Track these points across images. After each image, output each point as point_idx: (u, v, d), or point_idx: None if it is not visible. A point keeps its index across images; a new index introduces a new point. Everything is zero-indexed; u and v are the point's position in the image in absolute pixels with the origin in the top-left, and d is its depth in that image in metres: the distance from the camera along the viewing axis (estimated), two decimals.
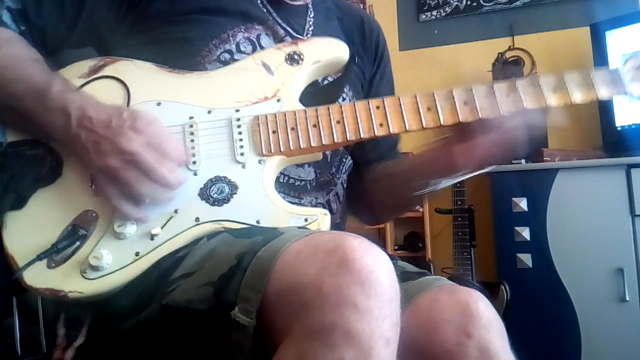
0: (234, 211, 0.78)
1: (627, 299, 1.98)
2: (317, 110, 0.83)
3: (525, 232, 2.18)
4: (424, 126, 0.83)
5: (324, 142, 0.82)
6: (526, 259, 2.17)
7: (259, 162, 0.81)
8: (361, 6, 3.08)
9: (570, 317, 2.06)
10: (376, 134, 0.83)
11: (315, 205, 0.93)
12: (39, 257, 0.74)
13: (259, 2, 0.96)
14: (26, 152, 0.80)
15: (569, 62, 2.61)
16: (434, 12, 2.95)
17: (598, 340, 2.03)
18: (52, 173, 0.79)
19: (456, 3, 2.90)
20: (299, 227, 0.76)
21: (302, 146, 0.82)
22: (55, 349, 0.82)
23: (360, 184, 1.07)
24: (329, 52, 0.89)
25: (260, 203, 0.79)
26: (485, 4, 2.84)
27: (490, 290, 2.12)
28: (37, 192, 0.79)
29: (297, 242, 0.66)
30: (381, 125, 0.83)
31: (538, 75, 0.84)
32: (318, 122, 0.83)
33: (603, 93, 0.84)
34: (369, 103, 0.84)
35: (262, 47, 0.92)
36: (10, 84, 0.77)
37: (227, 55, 0.89)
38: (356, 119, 0.83)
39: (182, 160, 0.78)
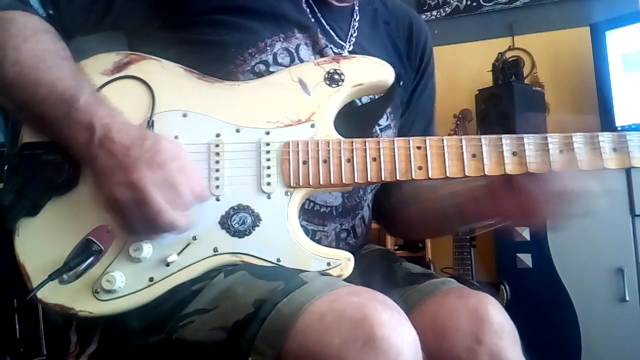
0: (255, 245, 0.74)
1: (627, 299, 1.98)
2: (352, 144, 0.77)
3: (525, 232, 2.18)
4: (466, 174, 0.76)
5: (356, 180, 0.76)
6: (526, 259, 2.17)
7: (286, 193, 0.76)
8: None
9: (570, 317, 2.06)
10: (413, 177, 0.76)
11: (339, 232, 0.89)
12: (51, 278, 0.71)
13: (303, 2, 0.89)
14: (42, 157, 0.74)
15: (569, 62, 2.61)
16: (434, 12, 2.95)
17: (598, 340, 2.03)
18: (69, 182, 0.75)
19: (456, 3, 2.90)
20: (321, 272, 0.73)
21: (333, 182, 0.76)
22: (68, 357, 0.81)
23: (388, 201, 1.01)
24: (372, 75, 0.82)
25: (282, 239, 0.75)
26: (485, 4, 2.84)
27: (490, 290, 2.12)
28: (51, 201, 0.75)
29: (321, 300, 0.63)
30: (420, 168, 0.76)
31: (596, 134, 0.76)
32: (353, 157, 0.76)
33: None
34: (409, 142, 0.77)
35: (300, 60, 0.85)
36: (33, 87, 0.71)
37: (262, 67, 0.82)
38: (394, 157, 0.76)
39: (202, 197, 0.74)
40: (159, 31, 0.84)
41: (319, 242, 0.82)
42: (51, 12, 0.79)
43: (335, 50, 0.90)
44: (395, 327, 0.60)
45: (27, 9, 0.77)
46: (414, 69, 1.03)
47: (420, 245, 2.74)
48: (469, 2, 2.87)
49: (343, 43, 0.91)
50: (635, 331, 1.97)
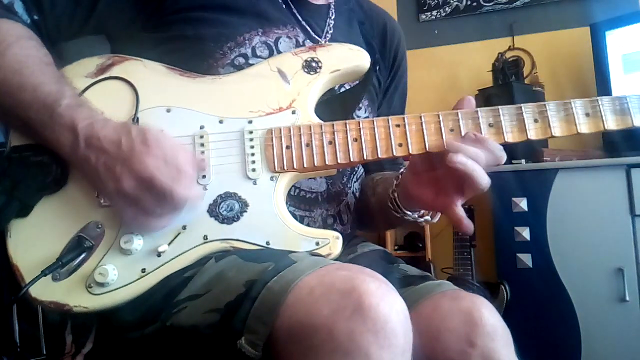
0: (244, 230, 0.76)
1: (627, 299, 1.98)
2: (333, 126, 0.79)
3: (525, 232, 2.18)
4: (446, 148, 0.78)
5: (339, 161, 0.78)
6: (526, 259, 2.17)
7: (271, 178, 0.78)
8: None
9: (570, 317, 2.06)
10: (394, 154, 0.79)
11: (326, 218, 0.90)
12: (44, 273, 0.72)
13: (280, 0, 0.93)
14: (31, 158, 0.76)
15: (569, 62, 2.61)
16: (434, 12, 2.95)
17: (598, 340, 2.02)
18: (58, 181, 0.77)
19: (456, 3, 2.90)
20: (311, 252, 0.74)
21: (316, 164, 0.78)
22: (63, 357, 0.81)
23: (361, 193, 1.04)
24: (349, 60, 0.85)
25: (270, 223, 0.76)
26: (485, 4, 2.84)
27: (490, 290, 2.12)
28: (42, 200, 0.76)
29: (310, 276, 0.64)
30: (400, 145, 0.78)
31: (569, 101, 0.80)
32: (334, 138, 0.79)
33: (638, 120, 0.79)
34: (388, 120, 0.79)
35: (279, 52, 0.87)
36: (18, 91, 0.73)
37: (241, 60, 0.85)
38: (374, 137, 0.79)
39: (201, 167, 0.76)
40: (141, 32, 0.86)
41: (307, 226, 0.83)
42: (36, 17, 0.81)
43: (315, 37, 0.94)
44: (383, 296, 0.61)
45: (11, 16, 0.78)
46: (388, 68, 1.07)
47: (420, 245, 2.74)
48: (469, 2, 2.87)
49: (319, 39, 0.94)
50: (635, 331, 1.97)
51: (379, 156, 0.78)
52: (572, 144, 2.52)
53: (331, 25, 0.97)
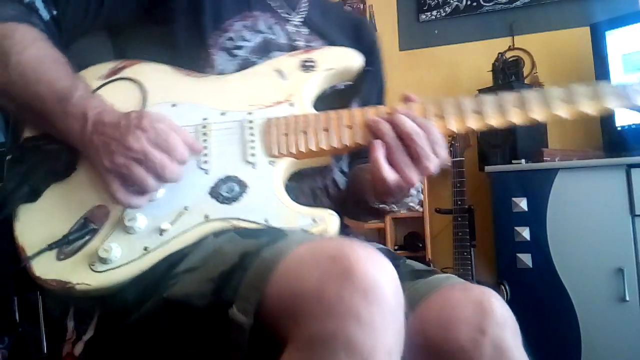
0: (243, 210, 0.79)
1: (627, 299, 1.98)
2: (327, 115, 0.84)
3: (525, 232, 2.18)
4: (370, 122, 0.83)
5: (333, 145, 0.83)
6: (526, 259, 2.18)
7: (270, 162, 0.82)
8: (361, 6, 3.08)
9: (570, 317, 2.06)
10: None
11: (314, 189, 0.94)
12: (50, 247, 0.75)
13: None
14: (42, 147, 0.81)
15: (569, 62, 2.61)
16: (434, 12, 2.95)
17: (598, 340, 2.03)
18: (67, 168, 0.81)
19: (456, 3, 2.90)
20: (307, 229, 0.77)
21: (312, 149, 0.83)
22: (64, 343, 0.83)
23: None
24: (342, 60, 0.91)
25: (269, 202, 0.80)
26: (485, 4, 2.84)
27: None
28: (51, 187, 0.80)
29: (302, 246, 0.66)
30: None
31: (547, 89, 0.84)
32: (329, 126, 0.83)
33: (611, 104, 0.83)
34: (378, 109, 0.84)
35: (259, 32, 0.95)
36: (34, 85, 0.78)
37: (229, 43, 0.91)
38: (367, 124, 0.83)
39: (195, 148, 0.80)
40: (142, 25, 0.91)
41: (297, 198, 0.87)
42: (54, 12, 0.86)
43: (289, 18, 1.01)
44: (371, 259, 0.62)
45: (31, 19, 0.84)
46: (366, 53, 1.10)
47: (420, 245, 2.75)
48: (469, 2, 2.87)
49: (291, 15, 1.01)
50: (635, 331, 1.97)
51: (371, 140, 0.83)
52: (572, 144, 2.52)
53: (303, 8, 1.03)
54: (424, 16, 2.97)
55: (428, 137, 0.80)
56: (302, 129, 0.83)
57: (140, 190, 0.76)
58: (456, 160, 2.40)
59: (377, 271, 0.61)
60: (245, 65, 0.91)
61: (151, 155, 0.74)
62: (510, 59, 2.59)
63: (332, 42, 1.02)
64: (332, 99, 0.93)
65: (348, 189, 1.02)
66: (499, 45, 2.71)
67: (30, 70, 0.78)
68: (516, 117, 0.83)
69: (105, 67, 0.88)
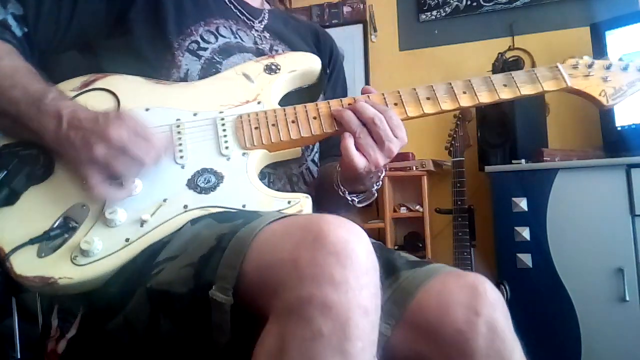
0: (221, 198, 0.82)
1: (627, 299, 1.98)
2: (295, 108, 0.91)
3: (525, 232, 2.18)
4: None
5: (302, 134, 0.89)
6: (526, 259, 2.17)
7: (243, 154, 0.86)
8: (361, 6, 3.08)
9: (570, 317, 2.06)
10: None
11: (290, 176, 0.98)
12: (31, 241, 0.76)
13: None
14: (20, 152, 0.83)
15: None
16: (434, 12, 2.95)
17: (598, 340, 2.03)
18: (45, 171, 0.82)
19: (456, 3, 2.90)
20: (282, 210, 0.80)
21: (282, 139, 0.88)
22: (48, 340, 0.83)
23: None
24: (303, 63, 0.99)
25: (245, 190, 0.83)
26: (485, 4, 2.84)
27: None
28: (29, 190, 0.81)
29: (275, 222, 0.69)
30: None
31: (510, 73, 0.97)
32: (296, 118, 0.90)
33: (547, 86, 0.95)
34: (341, 100, 0.91)
35: (222, 36, 1.00)
36: (8, 90, 0.81)
37: (194, 45, 0.96)
38: (331, 113, 0.90)
39: (167, 147, 0.83)
40: (109, 39, 0.96)
41: (273, 183, 0.94)
42: (26, 29, 0.90)
43: (252, 25, 1.07)
44: (342, 225, 0.64)
45: (4, 35, 0.87)
46: (326, 59, 1.19)
47: (420, 245, 2.74)
48: (469, 2, 2.87)
49: (253, 23, 1.07)
50: (635, 331, 1.97)
51: (337, 128, 0.89)
52: (572, 144, 2.52)
53: (265, 17, 1.10)
54: (424, 16, 2.97)
55: (388, 121, 0.87)
56: (272, 122, 0.89)
57: (123, 177, 0.78)
58: (456, 160, 2.40)
59: (347, 234, 0.63)
60: (210, 64, 0.96)
61: (133, 142, 0.76)
62: (510, 59, 2.59)
63: (293, 46, 1.09)
64: (297, 99, 0.97)
65: (320, 180, 1.06)
66: (499, 45, 2.71)
67: (4, 78, 0.81)
68: (465, 101, 0.95)
69: (77, 81, 0.90)
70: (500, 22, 2.79)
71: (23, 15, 0.89)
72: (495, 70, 2.55)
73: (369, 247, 0.64)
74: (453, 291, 0.83)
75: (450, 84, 0.96)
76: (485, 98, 0.95)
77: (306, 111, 0.90)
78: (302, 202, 0.82)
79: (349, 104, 0.90)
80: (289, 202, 0.82)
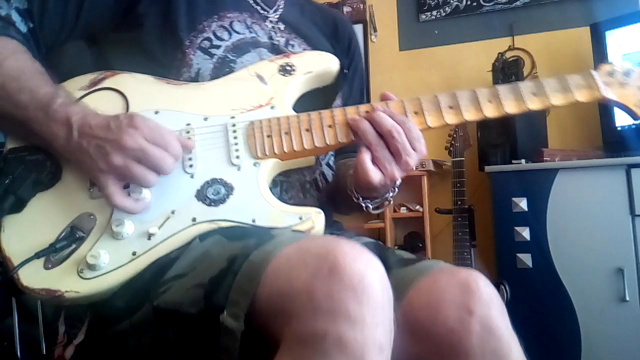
0: (230, 211, 0.80)
1: (627, 299, 1.98)
2: (309, 115, 0.86)
3: (525, 232, 2.18)
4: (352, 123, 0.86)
5: (316, 145, 0.85)
6: (526, 259, 2.17)
7: (254, 164, 0.83)
8: (361, 6, 3.08)
9: (570, 317, 2.06)
10: None
11: (303, 183, 0.95)
12: (37, 255, 0.74)
13: None
14: (26, 157, 0.81)
15: (569, 62, 2.61)
16: (434, 12, 2.95)
17: (598, 340, 2.03)
18: (52, 177, 0.80)
19: (456, 3, 2.90)
20: (294, 227, 0.78)
21: (295, 149, 0.84)
22: (55, 346, 0.82)
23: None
24: (319, 64, 0.93)
25: (255, 203, 0.80)
26: (485, 4, 2.84)
27: None
28: (36, 196, 0.79)
29: (289, 247, 0.66)
30: None
31: (516, 83, 0.88)
32: (310, 126, 0.85)
33: (579, 96, 0.88)
34: (358, 108, 0.86)
35: (236, 32, 0.96)
36: (16, 94, 0.78)
37: (207, 43, 0.92)
38: (347, 122, 0.85)
39: (186, 145, 0.81)
40: (118, 33, 0.92)
41: (286, 191, 0.91)
42: (31, 25, 0.87)
43: (267, 15, 1.02)
44: (358, 254, 0.62)
45: (8, 32, 0.84)
46: (344, 50, 1.13)
47: (420, 245, 2.74)
48: (469, 2, 2.87)
49: (267, 13, 1.02)
50: (635, 331, 1.97)
51: (353, 138, 0.85)
52: (572, 144, 2.52)
53: (281, 6, 1.05)
54: (424, 16, 2.97)
55: (407, 133, 0.82)
56: (285, 130, 0.85)
57: (142, 186, 0.76)
58: (456, 160, 2.40)
59: (364, 267, 0.61)
60: (223, 63, 0.92)
61: (150, 151, 0.74)
62: (510, 59, 2.59)
63: (309, 39, 1.04)
64: (313, 99, 0.94)
65: (335, 179, 1.03)
66: (499, 45, 2.71)
67: (11, 80, 0.78)
68: (490, 111, 0.87)
69: (85, 79, 0.88)
70: (500, 22, 2.79)
71: (28, 9, 0.86)
72: (495, 70, 2.55)
73: (384, 280, 0.63)
74: (444, 289, 0.79)
75: (475, 91, 0.88)
76: (511, 108, 0.87)
77: (321, 118, 0.86)
78: (314, 218, 0.79)
79: (366, 112, 0.85)
80: (300, 218, 0.79)
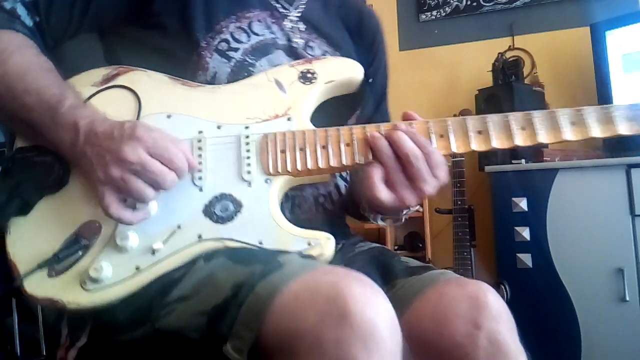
0: (237, 230, 0.77)
1: (627, 299, 1.98)
2: (327, 132, 0.81)
3: (525, 232, 2.18)
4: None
5: (331, 164, 0.80)
6: (526, 259, 2.17)
7: (266, 181, 0.80)
8: None
9: (570, 317, 2.06)
10: None
11: (317, 197, 0.92)
12: (39, 266, 0.74)
13: None
14: (34, 158, 0.79)
15: (569, 62, 2.61)
16: (434, 12, 2.95)
17: (598, 340, 2.03)
18: (59, 181, 0.78)
19: (456, 3, 2.90)
20: (302, 252, 0.75)
21: (309, 167, 0.80)
22: (58, 349, 0.82)
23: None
24: (342, 72, 0.88)
25: (263, 223, 0.77)
26: (485, 4, 2.84)
27: None
28: (42, 200, 0.78)
29: (296, 282, 0.64)
30: None
31: (554, 110, 0.82)
32: (327, 143, 0.81)
33: (622, 129, 0.80)
34: (380, 127, 0.81)
35: (255, 34, 0.92)
36: (22, 96, 0.75)
37: (224, 45, 0.89)
38: (366, 142, 0.80)
39: (191, 166, 0.77)
40: (131, 28, 0.89)
41: (299, 206, 0.87)
42: (37, 19, 0.84)
43: (286, 14, 0.97)
44: (368, 300, 0.61)
45: (13, 25, 0.81)
46: (367, 47, 1.09)
47: (420, 245, 2.75)
48: (469, 2, 2.87)
49: (288, 11, 0.98)
50: (635, 331, 1.97)
51: (371, 159, 0.80)
52: (572, 144, 2.52)
53: (302, 2, 1.00)
54: (424, 16, 2.97)
55: (427, 159, 0.77)
56: (300, 146, 0.81)
57: (138, 201, 0.73)
58: (456, 160, 2.40)
59: (375, 315, 0.60)
60: (241, 67, 0.89)
61: (150, 166, 0.71)
62: (510, 59, 2.59)
63: (331, 39, 1.00)
64: (332, 107, 0.90)
65: (347, 192, 1.01)
66: (499, 45, 2.71)
67: (16, 80, 0.76)
68: (522, 140, 0.80)
69: (98, 74, 0.85)
70: (500, 22, 2.79)
71: (34, 2, 0.83)
72: (495, 70, 2.55)
73: (394, 326, 0.62)
74: (452, 302, 0.77)
75: (507, 117, 0.81)
76: (544, 138, 0.80)
77: (339, 135, 0.81)
78: (323, 245, 0.76)
79: (386, 130, 0.80)
80: (309, 244, 0.76)
